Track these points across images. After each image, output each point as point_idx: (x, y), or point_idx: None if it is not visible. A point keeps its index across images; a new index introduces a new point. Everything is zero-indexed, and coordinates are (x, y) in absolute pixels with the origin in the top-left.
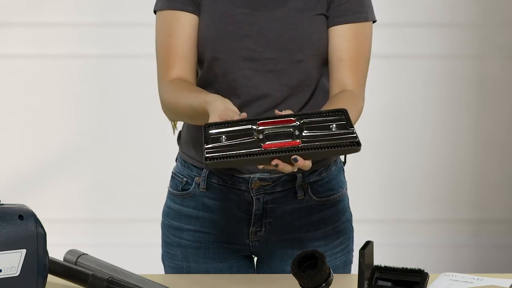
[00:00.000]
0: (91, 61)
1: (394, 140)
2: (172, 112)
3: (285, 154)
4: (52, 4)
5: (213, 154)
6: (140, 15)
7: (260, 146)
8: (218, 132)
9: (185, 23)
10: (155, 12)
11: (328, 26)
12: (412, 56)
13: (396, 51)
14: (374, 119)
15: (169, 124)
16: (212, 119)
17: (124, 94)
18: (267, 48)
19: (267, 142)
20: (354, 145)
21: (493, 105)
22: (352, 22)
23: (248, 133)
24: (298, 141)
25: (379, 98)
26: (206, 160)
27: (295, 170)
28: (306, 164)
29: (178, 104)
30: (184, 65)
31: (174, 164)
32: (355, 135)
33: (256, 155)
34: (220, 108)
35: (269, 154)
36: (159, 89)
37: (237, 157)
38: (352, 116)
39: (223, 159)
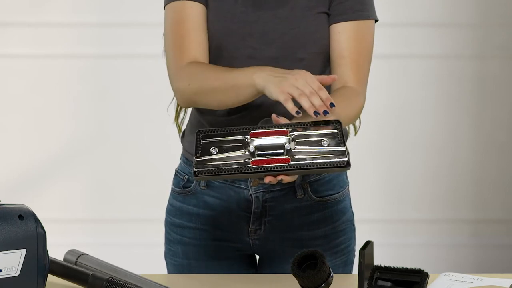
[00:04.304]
0: (91, 61)
1: (394, 140)
2: (195, 96)
3: (273, 172)
4: (52, 4)
5: (201, 169)
6: (140, 15)
7: (249, 163)
8: (210, 141)
9: (196, 10)
10: (164, 8)
11: (330, 24)
12: (412, 56)
13: (396, 51)
14: (374, 119)
15: (169, 124)
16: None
17: (124, 94)
18: (270, 47)
19: (257, 157)
20: (343, 165)
21: (493, 105)
22: (353, 20)
23: (239, 145)
24: (287, 157)
25: (379, 98)
26: (194, 174)
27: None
28: (291, 179)
29: (205, 84)
30: (199, 49)
31: (174, 163)
32: (345, 154)
33: (244, 172)
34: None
35: (257, 171)
36: (174, 76)
37: (225, 173)
38: (350, 113)
39: (211, 174)
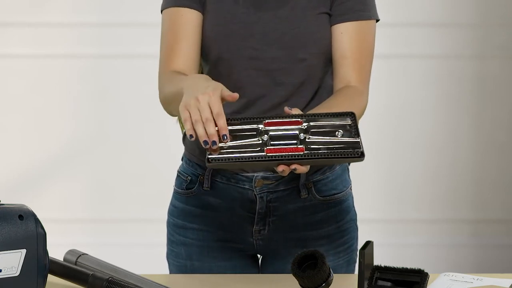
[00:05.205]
0: (91, 61)
1: (394, 140)
2: (166, 105)
3: (287, 161)
4: (52, 4)
5: (215, 156)
6: (140, 15)
7: (263, 151)
8: None
9: (190, 18)
10: (162, 12)
11: (331, 24)
12: (412, 56)
13: (396, 51)
14: (374, 119)
15: (169, 123)
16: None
17: (124, 94)
18: (271, 47)
19: (271, 146)
20: (358, 155)
21: (493, 105)
22: (354, 20)
23: (253, 134)
24: (301, 147)
25: (379, 98)
26: (208, 161)
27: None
28: (304, 169)
29: (166, 93)
30: (185, 59)
31: (174, 163)
32: (359, 145)
33: (258, 160)
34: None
35: (271, 160)
36: (158, 83)
37: (239, 161)
38: (354, 112)
39: (225, 161)
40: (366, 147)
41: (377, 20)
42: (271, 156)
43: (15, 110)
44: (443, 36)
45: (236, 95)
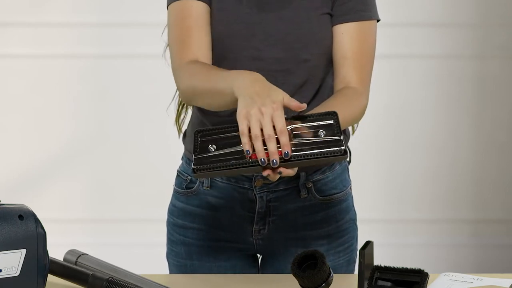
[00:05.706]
0: (91, 61)
1: (394, 140)
2: (192, 96)
3: (272, 166)
4: (52, 4)
5: (200, 166)
6: (140, 15)
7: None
8: (208, 140)
9: (199, 10)
10: (168, 7)
11: (332, 25)
12: (412, 56)
13: (396, 51)
14: (374, 119)
15: (169, 123)
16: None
17: (124, 94)
18: (273, 48)
19: (255, 152)
20: (341, 154)
21: (493, 105)
22: (355, 21)
23: (237, 141)
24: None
25: (379, 98)
26: (193, 171)
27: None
28: (290, 172)
29: (195, 85)
30: (201, 48)
31: (174, 163)
32: (341, 143)
33: (243, 166)
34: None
35: (256, 165)
36: (175, 75)
37: (224, 169)
38: (352, 113)
39: (211, 170)
40: (365, 147)
41: (378, 20)
42: (255, 161)
43: (15, 110)
44: (443, 36)
45: (304, 105)
